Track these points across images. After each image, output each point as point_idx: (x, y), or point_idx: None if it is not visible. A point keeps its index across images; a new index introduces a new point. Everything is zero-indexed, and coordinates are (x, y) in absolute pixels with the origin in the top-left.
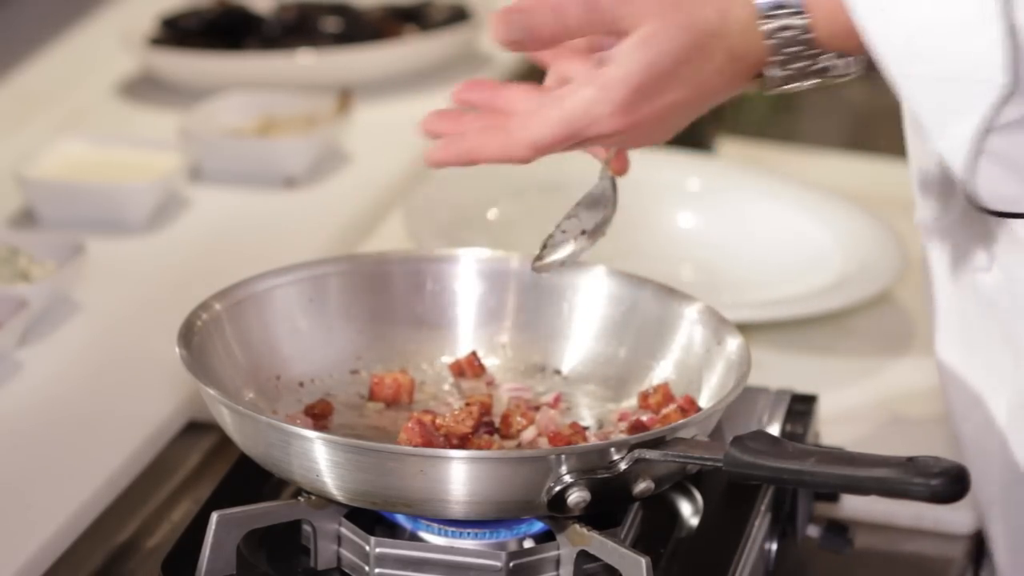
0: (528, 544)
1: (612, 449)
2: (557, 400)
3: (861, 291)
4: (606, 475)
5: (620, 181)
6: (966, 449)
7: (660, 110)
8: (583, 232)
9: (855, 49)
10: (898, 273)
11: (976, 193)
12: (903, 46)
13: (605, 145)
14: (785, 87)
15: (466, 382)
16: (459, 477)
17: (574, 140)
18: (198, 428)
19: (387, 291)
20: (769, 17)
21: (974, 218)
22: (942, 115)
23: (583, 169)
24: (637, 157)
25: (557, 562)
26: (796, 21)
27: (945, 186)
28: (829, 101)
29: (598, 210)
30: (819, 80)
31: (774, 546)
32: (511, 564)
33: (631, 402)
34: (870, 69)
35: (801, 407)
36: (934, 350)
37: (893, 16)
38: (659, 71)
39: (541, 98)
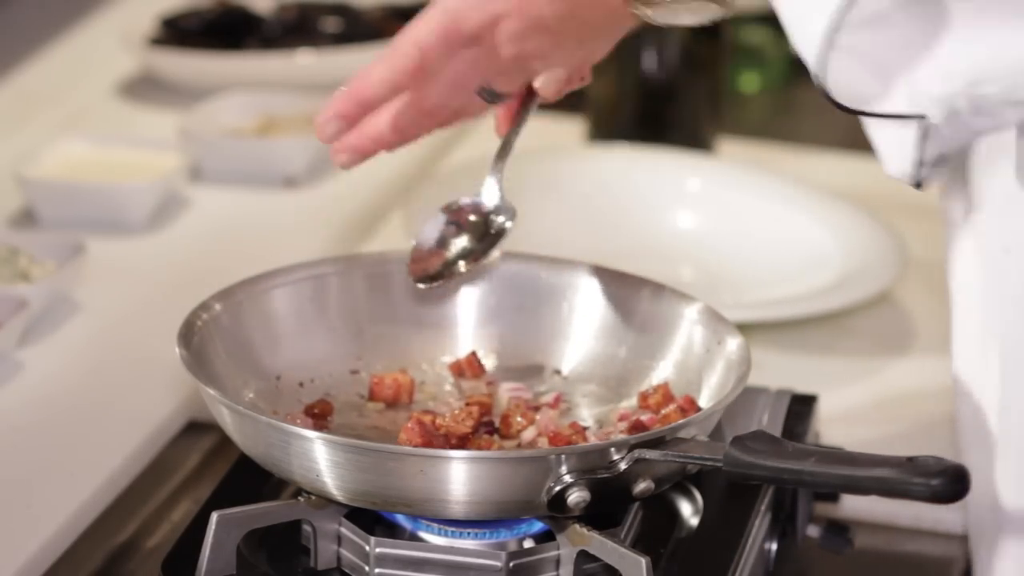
0: (528, 544)
1: (612, 449)
2: (557, 400)
3: (861, 291)
4: (606, 475)
5: (620, 181)
6: (969, 446)
7: (533, 10)
8: (471, 253)
9: None
10: (898, 273)
11: (829, 88)
12: None
13: (501, 59)
14: (661, 4)
15: (466, 382)
16: (459, 477)
17: (457, 36)
18: (198, 428)
19: (387, 291)
20: None
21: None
22: (802, 6)
23: (583, 169)
24: (637, 157)
25: (557, 562)
26: None
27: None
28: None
29: (481, 229)
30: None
31: (774, 546)
32: (511, 564)
33: (631, 402)
34: None
35: (801, 407)
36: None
37: None
38: None
39: None
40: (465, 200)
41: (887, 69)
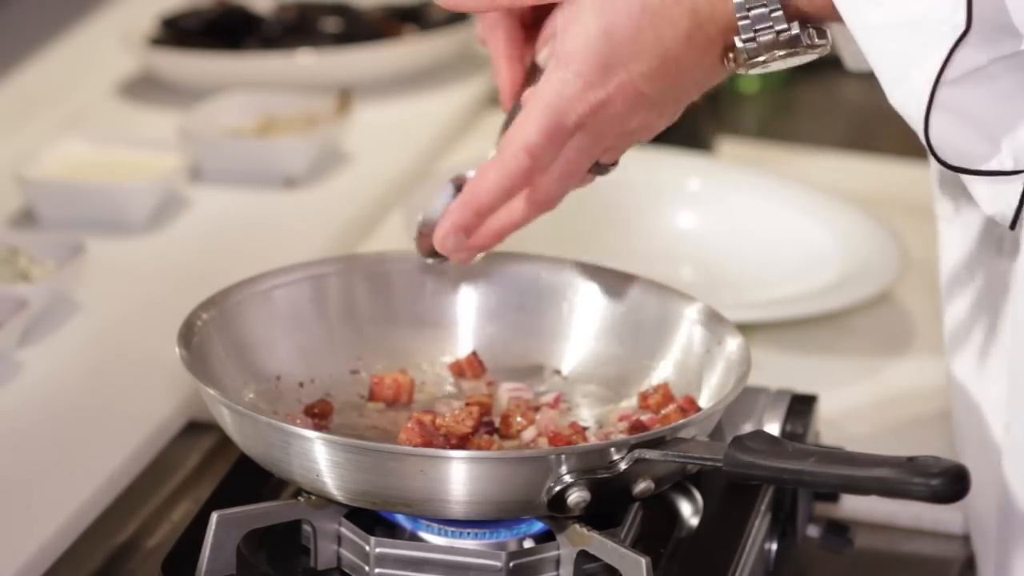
0: (528, 544)
1: (612, 449)
2: (557, 400)
3: (861, 291)
4: (606, 475)
5: (620, 181)
6: (969, 450)
7: (632, 82)
8: None
9: (819, 11)
10: (898, 273)
11: (933, 147)
12: None
13: (608, 138)
14: (757, 62)
15: (466, 382)
16: (459, 477)
17: (563, 130)
18: (198, 428)
19: (387, 291)
20: None
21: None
22: (900, 64)
23: None
24: (637, 157)
25: (557, 562)
26: None
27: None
28: (829, 101)
29: None
30: (790, 54)
31: (774, 546)
32: (511, 564)
33: (631, 402)
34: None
35: (801, 407)
36: (944, 350)
37: None
38: (618, 38)
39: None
40: (472, 173)
41: (989, 126)
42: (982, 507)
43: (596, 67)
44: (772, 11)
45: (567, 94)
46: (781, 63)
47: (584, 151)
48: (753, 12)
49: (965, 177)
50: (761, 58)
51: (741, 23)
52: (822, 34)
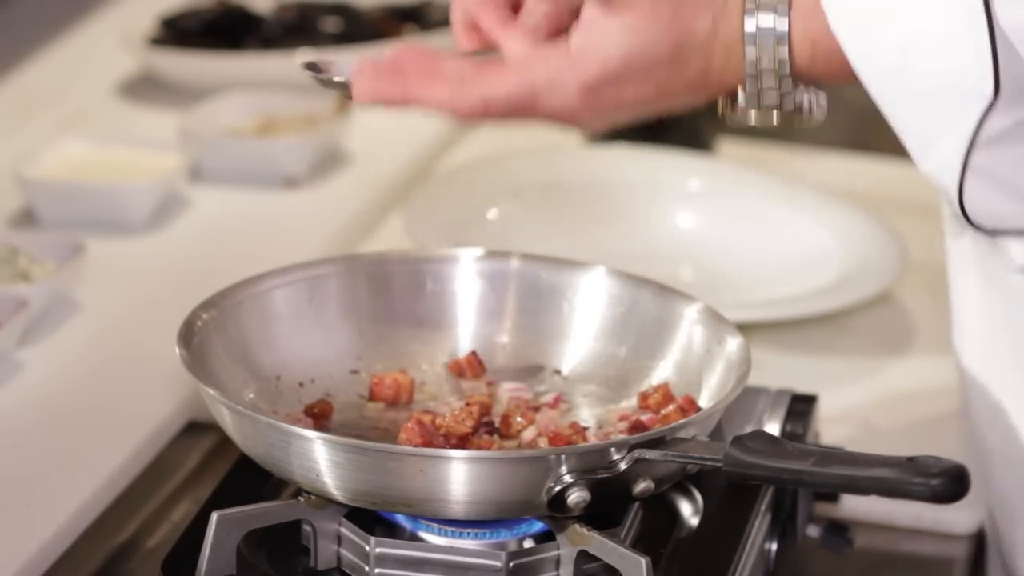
0: (528, 544)
1: (612, 449)
2: (557, 400)
3: (861, 291)
4: (606, 475)
5: (621, 182)
6: (989, 454)
7: (618, 101)
8: None
9: (834, 74)
10: (898, 273)
11: (967, 212)
12: (888, 65)
13: (549, 122)
14: (748, 117)
15: (466, 382)
16: (459, 477)
17: (526, 107)
18: (198, 428)
19: (387, 291)
20: (754, 44)
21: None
22: (928, 132)
23: (583, 169)
24: (637, 157)
25: (557, 562)
26: (778, 52)
27: None
28: (829, 101)
29: None
30: (783, 117)
31: (774, 546)
32: (511, 564)
33: (631, 402)
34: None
35: (801, 407)
36: (953, 352)
37: (879, 36)
38: (635, 65)
39: (543, 46)
40: None
41: (1018, 187)
42: (1007, 488)
43: (598, 81)
44: (781, 77)
45: (557, 86)
46: (773, 121)
47: (530, 119)
48: (763, 83)
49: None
50: (755, 113)
51: (748, 80)
52: (821, 105)
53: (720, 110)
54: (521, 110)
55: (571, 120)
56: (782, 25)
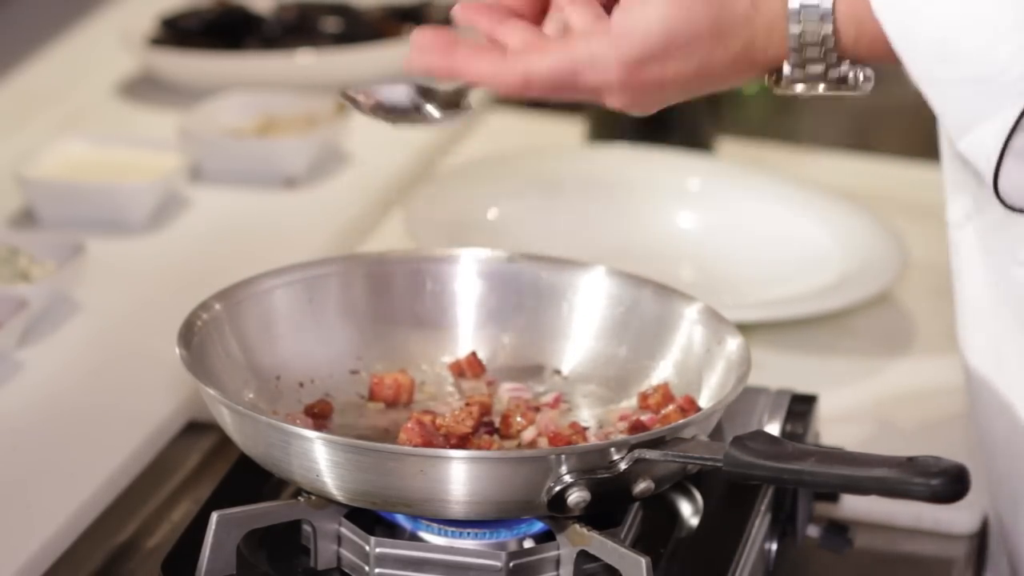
0: (528, 544)
1: (612, 449)
2: (557, 400)
3: (861, 291)
4: (606, 475)
5: (620, 182)
6: (995, 447)
7: (661, 79)
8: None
9: (877, 56)
10: (898, 273)
11: (1002, 193)
12: (930, 50)
13: (593, 100)
14: (794, 89)
15: (466, 382)
16: (459, 477)
17: (569, 84)
18: (198, 428)
19: (387, 291)
20: (798, 21)
21: (1014, 217)
22: (968, 116)
23: (583, 169)
24: (637, 157)
25: (557, 562)
26: (823, 28)
27: (982, 185)
28: (829, 101)
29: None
30: (832, 88)
31: (774, 546)
32: (511, 564)
33: (631, 402)
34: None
35: (801, 407)
36: (957, 343)
37: (922, 21)
38: (677, 41)
39: (544, 37)
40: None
41: None
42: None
43: (640, 57)
44: (826, 51)
45: (599, 61)
46: (820, 92)
47: (572, 97)
48: (807, 55)
49: None
50: (801, 86)
51: (792, 55)
52: (868, 76)
53: (766, 83)
54: (562, 87)
55: (613, 98)
56: (826, 3)
